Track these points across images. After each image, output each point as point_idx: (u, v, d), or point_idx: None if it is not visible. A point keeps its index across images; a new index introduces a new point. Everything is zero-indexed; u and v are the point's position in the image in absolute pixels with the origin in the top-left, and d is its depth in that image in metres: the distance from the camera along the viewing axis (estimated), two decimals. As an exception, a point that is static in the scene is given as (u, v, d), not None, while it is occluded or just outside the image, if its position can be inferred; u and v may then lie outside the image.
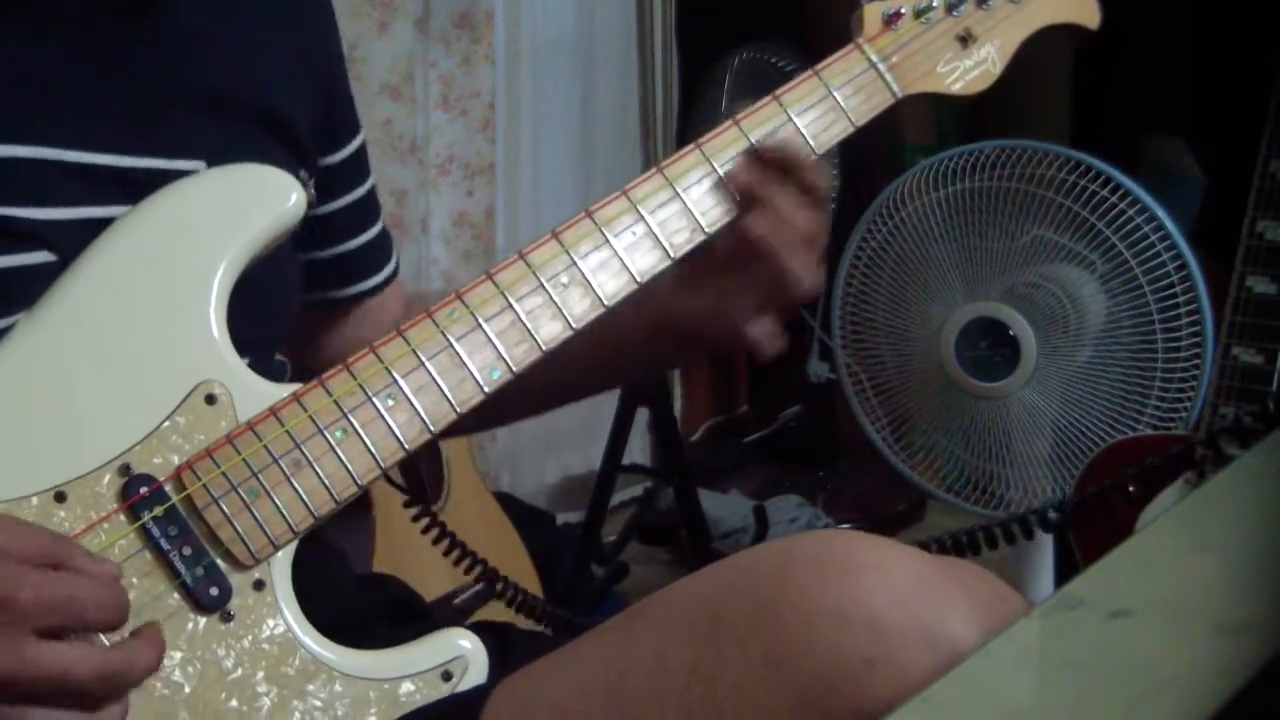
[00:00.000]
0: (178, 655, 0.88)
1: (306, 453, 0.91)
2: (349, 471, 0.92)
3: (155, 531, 0.88)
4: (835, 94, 1.05)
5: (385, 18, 2.51)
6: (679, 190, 1.01)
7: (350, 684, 0.91)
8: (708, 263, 1.04)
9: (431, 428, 0.94)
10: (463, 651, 0.93)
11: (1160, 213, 2.07)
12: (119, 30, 0.95)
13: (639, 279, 0.99)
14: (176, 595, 0.88)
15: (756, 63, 2.63)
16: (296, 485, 0.91)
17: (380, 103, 2.48)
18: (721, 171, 1.02)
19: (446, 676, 0.92)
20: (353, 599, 1.07)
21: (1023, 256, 2.17)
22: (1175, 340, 2.06)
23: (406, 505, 1.17)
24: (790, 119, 1.04)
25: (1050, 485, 2.20)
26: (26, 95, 0.90)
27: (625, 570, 2.69)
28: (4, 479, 0.85)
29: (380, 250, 1.16)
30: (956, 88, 1.09)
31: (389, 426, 0.93)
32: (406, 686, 0.92)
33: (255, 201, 0.94)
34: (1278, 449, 0.93)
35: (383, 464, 0.93)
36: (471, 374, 0.95)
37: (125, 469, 0.88)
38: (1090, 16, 1.13)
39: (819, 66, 1.06)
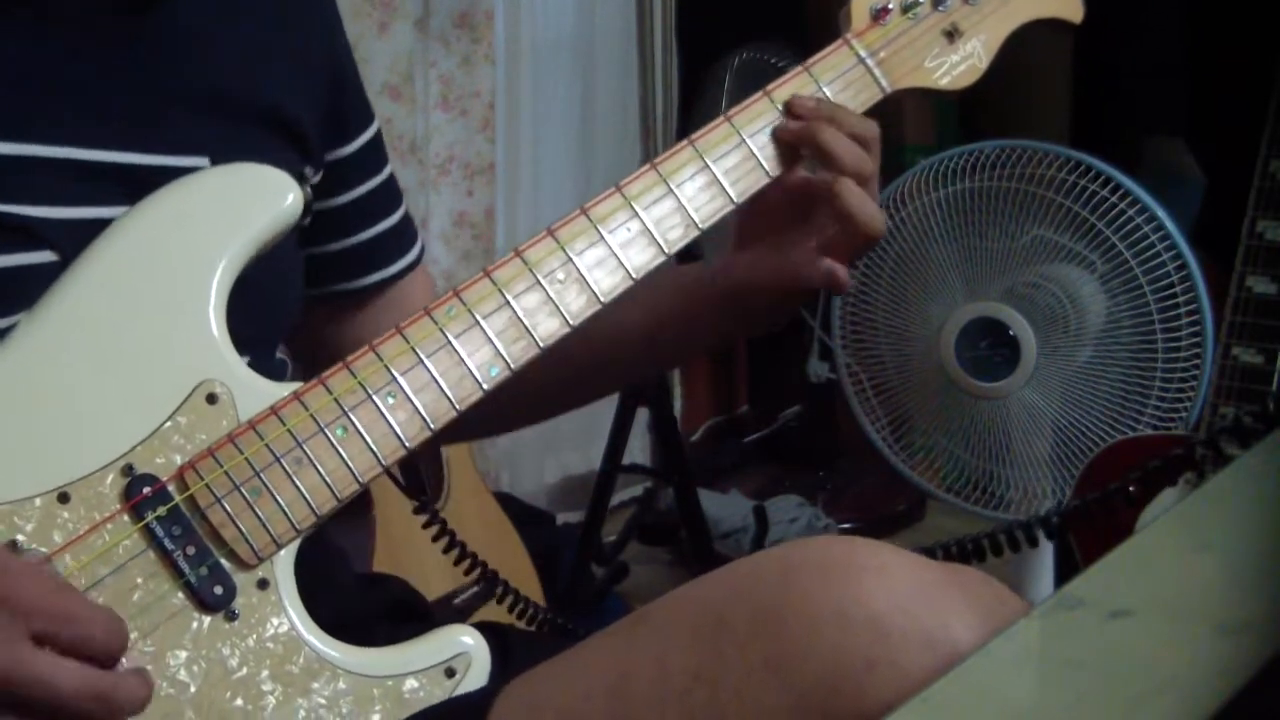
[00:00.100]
0: (183, 654, 0.88)
1: (308, 451, 0.91)
2: (350, 469, 0.92)
3: (159, 531, 0.88)
4: (825, 89, 1.06)
5: (385, 18, 2.51)
6: (672, 187, 1.01)
7: (354, 681, 0.91)
8: (765, 220, 1.06)
9: (432, 425, 0.94)
10: (466, 648, 0.94)
11: (1160, 213, 2.07)
12: (119, 30, 0.95)
13: (634, 275, 1.00)
14: (181, 595, 0.88)
15: (756, 63, 2.63)
16: (299, 483, 0.91)
17: (380, 103, 2.48)
18: (715, 169, 1.02)
19: (450, 673, 0.92)
20: (354, 598, 1.07)
21: (1023, 256, 2.18)
22: (1175, 340, 2.06)
23: (417, 511, 1.17)
24: (781, 115, 1.04)
25: (1050, 485, 2.20)
26: (26, 95, 0.90)
27: (625, 570, 2.69)
28: (7, 480, 0.86)
29: (403, 237, 1.16)
30: (944, 83, 1.10)
31: (390, 424, 0.93)
32: (410, 683, 0.92)
33: (253, 201, 0.95)
34: (1278, 449, 0.94)
35: (384, 462, 0.93)
36: (470, 372, 0.95)
37: (128, 469, 0.88)
38: (1073, 11, 1.14)
39: (809, 62, 1.07)
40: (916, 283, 2.27)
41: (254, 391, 0.92)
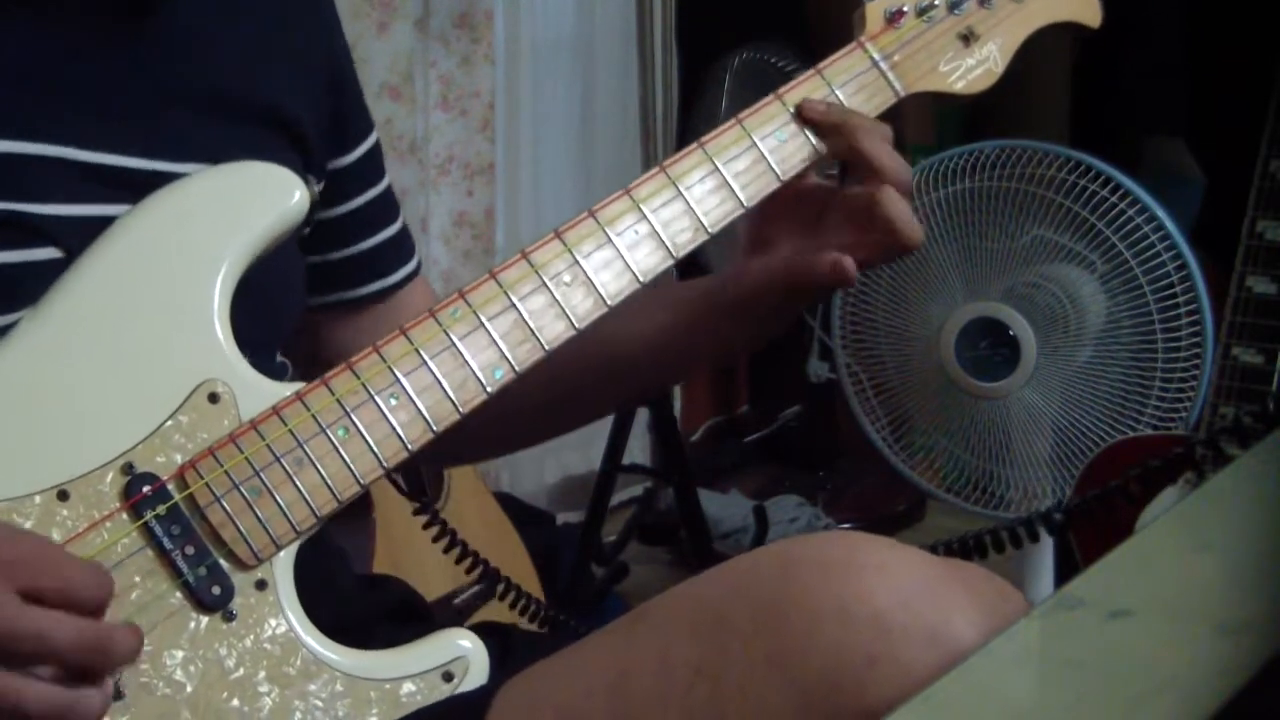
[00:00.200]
0: (180, 654, 0.88)
1: (309, 452, 0.91)
2: (351, 471, 0.92)
3: (158, 530, 0.88)
4: (838, 92, 1.05)
5: (385, 18, 2.51)
6: (681, 189, 1.01)
7: (351, 684, 0.91)
8: (776, 226, 1.05)
9: (434, 428, 0.94)
10: (464, 652, 0.93)
11: (1160, 213, 2.07)
12: (119, 30, 0.95)
13: (642, 278, 0.99)
14: (179, 594, 0.88)
15: (756, 63, 2.63)
16: (299, 484, 0.91)
17: (380, 103, 2.48)
18: (724, 171, 1.02)
19: (448, 677, 0.92)
20: (354, 600, 1.07)
21: (1023, 256, 2.18)
22: (1175, 340, 2.06)
23: (417, 513, 1.17)
24: (792, 118, 1.04)
25: (1050, 485, 2.20)
26: (27, 94, 0.90)
27: (625, 570, 2.69)
28: (6, 477, 0.85)
29: (402, 247, 1.16)
30: (959, 86, 1.09)
31: (391, 426, 0.93)
32: (408, 687, 0.92)
33: (258, 199, 0.95)
34: (1278, 449, 0.94)
35: (385, 464, 0.93)
36: (474, 373, 0.95)
37: (128, 468, 0.88)
38: (1092, 15, 1.13)
39: (821, 65, 1.06)
40: (916, 283, 2.27)
41: (256, 391, 0.92)
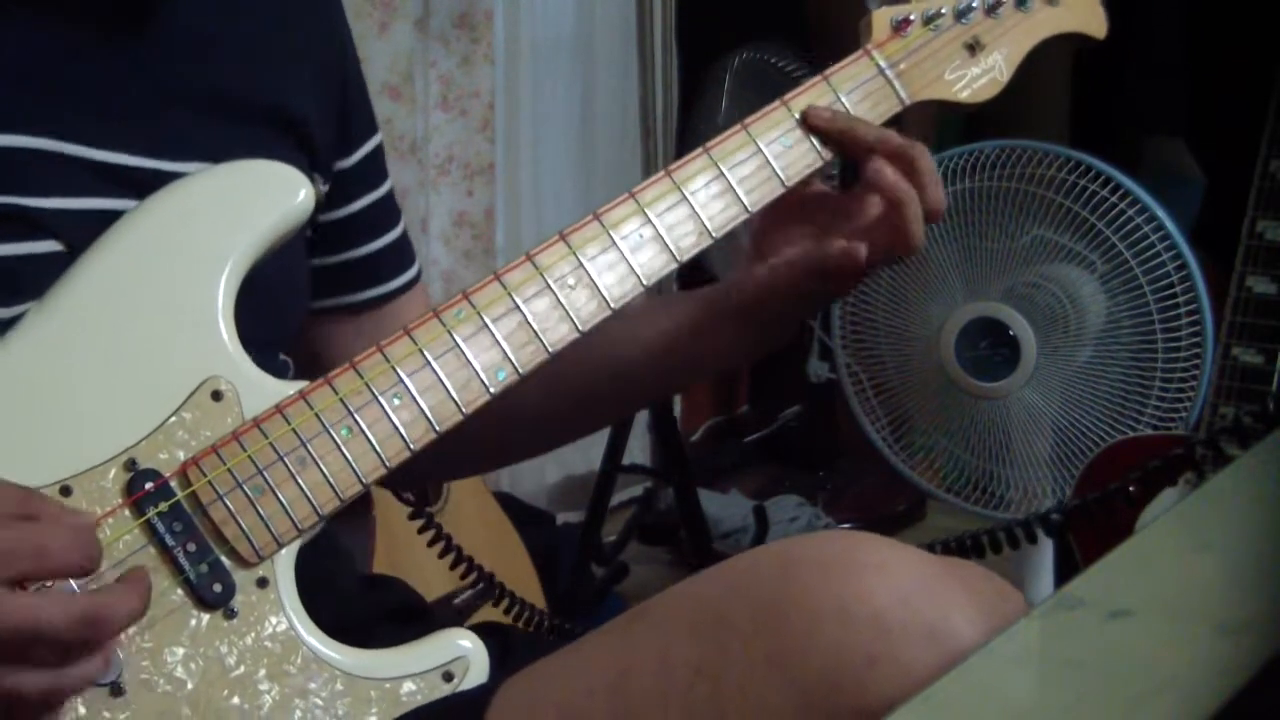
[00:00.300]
0: (180, 651, 0.88)
1: (312, 450, 0.91)
2: (354, 470, 0.92)
3: (160, 527, 0.88)
4: (844, 99, 1.05)
5: (385, 18, 2.51)
6: (686, 194, 1.01)
7: (351, 683, 0.91)
8: (781, 233, 1.05)
9: (437, 428, 0.94)
10: (464, 652, 0.93)
11: (1160, 213, 2.07)
12: (119, 30, 0.95)
13: (645, 282, 1.00)
14: (180, 591, 0.88)
15: (756, 63, 2.63)
16: (301, 483, 0.91)
17: (380, 103, 2.48)
18: (729, 176, 1.02)
19: (448, 677, 0.92)
20: (355, 599, 1.07)
21: (1023, 256, 2.18)
22: (1175, 340, 2.06)
23: (412, 517, 1.17)
24: (798, 124, 1.04)
25: (1050, 485, 2.20)
26: (27, 93, 0.90)
27: (625, 570, 2.69)
28: (10, 472, 0.85)
29: (401, 254, 1.15)
30: (964, 95, 1.09)
31: (394, 426, 0.93)
32: (408, 686, 0.92)
33: (262, 198, 0.95)
34: (1278, 449, 0.94)
35: (388, 463, 0.93)
36: (477, 374, 0.95)
37: (131, 464, 0.88)
38: (1098, 27, 1.13)
39: (828, 72, 1.06)
40: (916, 283, 2.27)
41: (260, 389, 0.92)
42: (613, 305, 0.99)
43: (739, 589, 0.84)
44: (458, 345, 0.95)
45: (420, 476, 1.28)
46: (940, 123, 3.16)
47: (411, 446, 0.93)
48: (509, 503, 2.55)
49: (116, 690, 0.85)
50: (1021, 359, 2.17)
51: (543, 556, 2.42)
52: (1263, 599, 0.70)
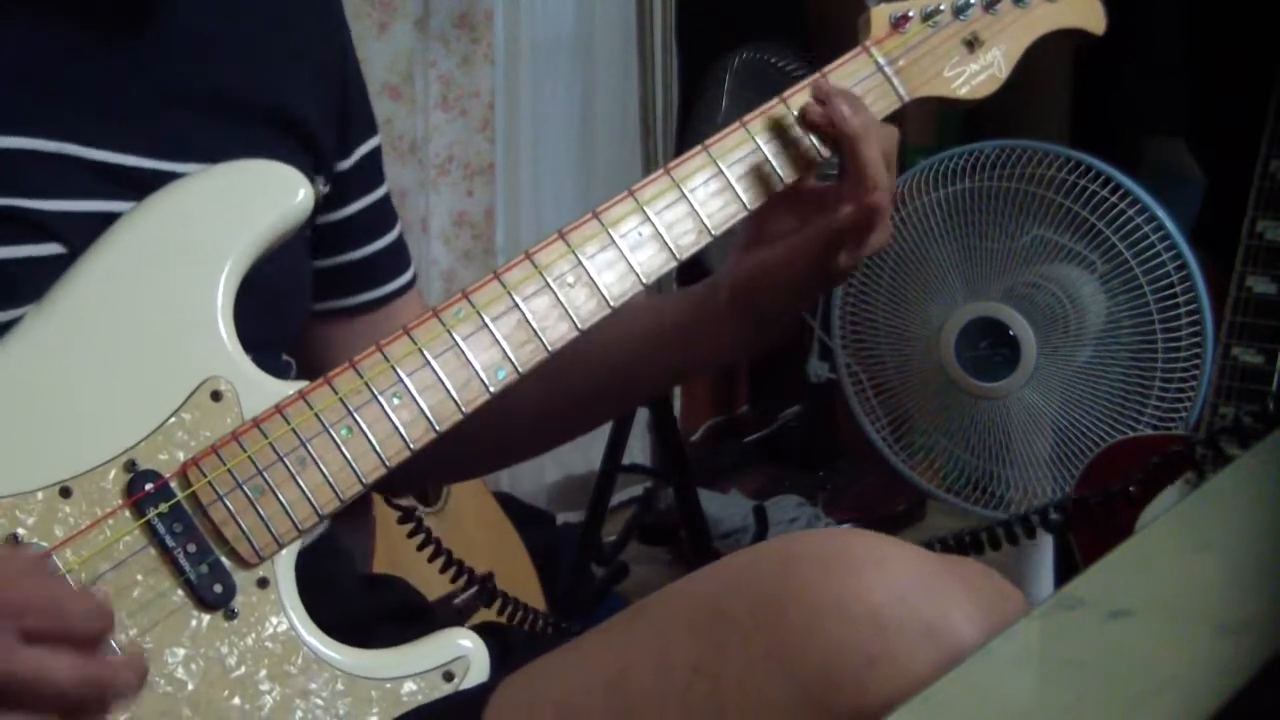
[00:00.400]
0: (181, 652, 0.88)
1: (312, 450, 0.91)
2: (354, 469, 0.92)
3: (160, 528, 0.88)
4: None
5: (385, 18, 2.51)
6: (685, 192, 1.01)
7: (352, 683, 0.91)
8: (772, 227, 1.05)
9: (437, 427, 0.94)
10: (464, 651, 0.93)
11: (1160, 213, 2.07)
12: (119, 31, 0.95)
13: (645, 280, 1.00)
14: (180, 592, 0.88)
15: (756, 63, 2.63)
16: (301, 483, 0.91)
17: (380, 103, 2.48)
18: (728, 174, 1.02)
19: (448, 677, 0.92)
20: (355, 599, 1.07)
21: (1023, 256, 2.18)
22: (1175, 340, 2.06)
23: (401, 521, 1.17)
24: (796, 121, 1.04)
25: (1050, 485, 2.20)
26: (27, 92, 0.90)
27: (625, 570, 2.69)
28: (9, 473, 0.86)
29: (398, 257, 1.15)
30: (963, 92, 1.09)
31: (394, 425, 0.93)
32: (408, 686, 0.92)
33: (261, 197, 0.95)
34: (1278, 449, 0.94)
35: (388, 463, 0.93)
36: (477, 373, 0.95)
37: (130, 465, 0.88)
38: (1096, 22, 1.13)
39: (826, 69, 1.06)
40: (916, 283, 2.27)
41: (259, 389, 0.92)
42: (612, 303, 0.99)
43: (738, 585, 0.84)
44: (457, 344, 0.95)
45: (420, 477, 1.28)
46: (940, 122, 3.16)
47: (411, 446, 0.93)
48: (509, 503, 2.55)
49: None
50: (1021, 359, 2.17)
51: (543, 556, 2.42)
52: (1263, 599, 0.70)
